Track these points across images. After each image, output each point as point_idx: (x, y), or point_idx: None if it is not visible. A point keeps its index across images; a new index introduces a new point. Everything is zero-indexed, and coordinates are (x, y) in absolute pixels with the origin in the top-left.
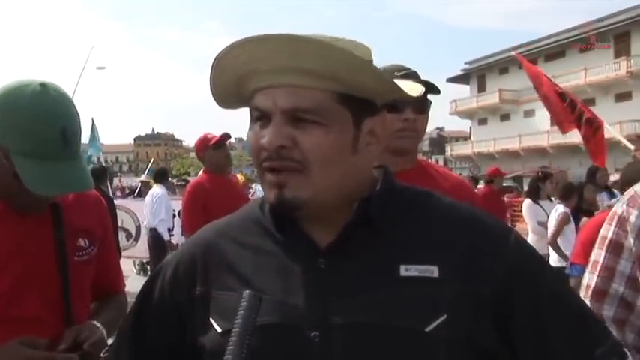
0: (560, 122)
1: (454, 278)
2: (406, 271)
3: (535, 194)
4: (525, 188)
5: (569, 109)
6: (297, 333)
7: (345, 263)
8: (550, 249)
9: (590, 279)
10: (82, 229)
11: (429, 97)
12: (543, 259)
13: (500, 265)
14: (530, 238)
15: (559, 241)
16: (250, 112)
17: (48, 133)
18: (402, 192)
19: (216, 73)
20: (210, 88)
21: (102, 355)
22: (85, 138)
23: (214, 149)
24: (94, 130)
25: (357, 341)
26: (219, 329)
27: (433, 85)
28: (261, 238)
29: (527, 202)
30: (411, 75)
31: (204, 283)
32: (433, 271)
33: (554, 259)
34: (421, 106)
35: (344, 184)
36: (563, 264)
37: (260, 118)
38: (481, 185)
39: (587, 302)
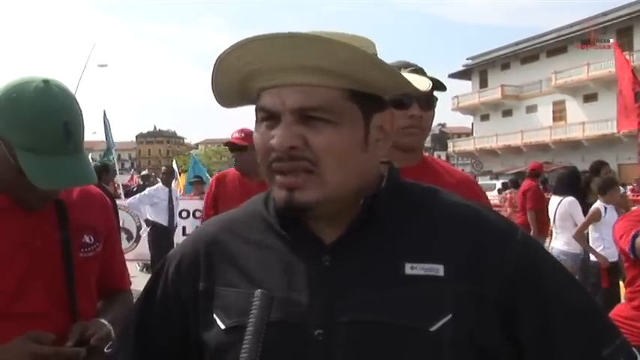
0: (620, 119)
1: (460, 277)
2: (411, 269)
3: (585, 192)
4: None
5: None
6: (301, 331)
7: (349, 260)
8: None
9: None
10: (87, 226)
11: (435, 94)
12: (551, 257)
13: (507, 263)
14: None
15: (596, 235)
16: (256, 112)
17: (51, 128)
18: (408, 188)
19: (218, 74)
20: (212, 89)
21: (106, 349)
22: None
23: (231, 151)
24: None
25: (361, 340)
26: (222, 325)
27: (440, 82)
28: (265, 234)
29: (572, 201)
30: (418, 71)
31: (207, 279)
32: (439, 269)
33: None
34: (427, 102)
35: (354, 182)
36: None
37: (267, 118)
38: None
39: None
